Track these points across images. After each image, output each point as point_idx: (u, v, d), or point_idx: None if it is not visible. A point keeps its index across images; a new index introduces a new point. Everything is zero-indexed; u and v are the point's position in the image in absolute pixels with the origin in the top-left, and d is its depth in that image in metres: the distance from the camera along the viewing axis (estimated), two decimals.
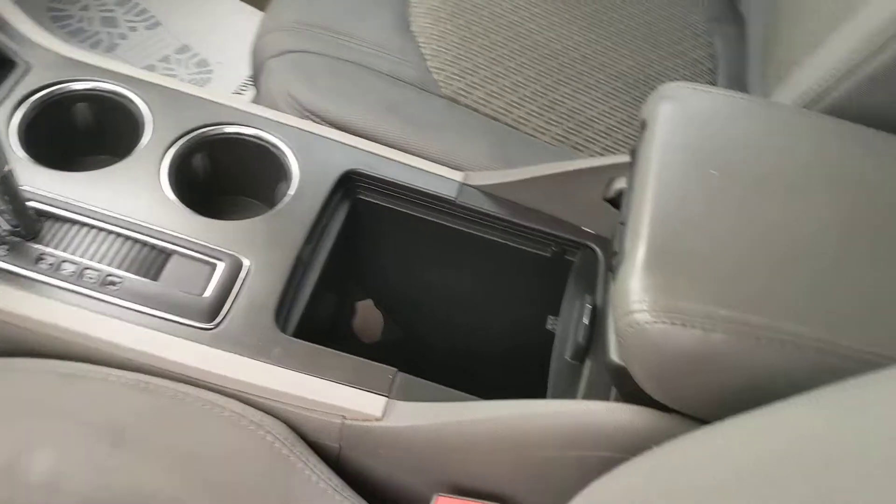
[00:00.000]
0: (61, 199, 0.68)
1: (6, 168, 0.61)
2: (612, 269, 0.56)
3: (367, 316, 0.83)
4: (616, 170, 0.69)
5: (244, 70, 1.28)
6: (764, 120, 0.56)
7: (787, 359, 0.47)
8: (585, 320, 0.67)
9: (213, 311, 0.64)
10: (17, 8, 0.80)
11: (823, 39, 0.69)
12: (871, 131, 0.57)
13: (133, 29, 1.30)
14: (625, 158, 0.68)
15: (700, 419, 0.52)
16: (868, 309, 0.48)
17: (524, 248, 0.75)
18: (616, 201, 0.69)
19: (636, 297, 0.49)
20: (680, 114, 0.56)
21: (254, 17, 1.31)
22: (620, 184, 0.68)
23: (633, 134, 0.88)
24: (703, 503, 0.41)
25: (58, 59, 0.77)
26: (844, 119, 0.59)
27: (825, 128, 0.57)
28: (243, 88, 1.28)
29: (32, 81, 0.75)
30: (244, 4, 1.36)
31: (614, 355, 0.55)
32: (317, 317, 0.71)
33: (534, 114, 0.88)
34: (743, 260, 0.50)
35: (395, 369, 0.63)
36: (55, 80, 0.75)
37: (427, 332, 0.82)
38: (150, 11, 1.33)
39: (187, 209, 0.70)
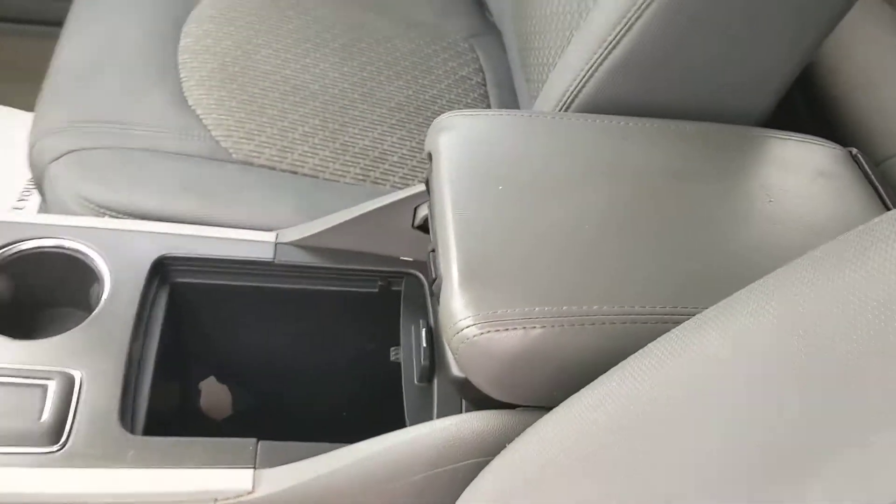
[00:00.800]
0: None
1: None
2: (433, 294, 0.60)
3: (213, 393, 0.83)
4: (418, 198, 0.74)
5: (22, 175, 1.23)
6: (528, 131, 0.63)
7: (598, 336, 0.53)
8: (424, 343, 0.71)
9: (55, 432, 0.63)
10: None
11: (567, 41, 0.77)
12: (619, 120, 0.65)
13: None
14: (420, 188, 0.72)
15: (545, 407, 0.57)
16: (647, 275, 0.56)
17: (351, 289, 0.78)
18: (424, 227, 0.74)
19: (460, 315, 0.54)
20: (457, 141, 0.61)
21: (21, 118, 1.26)
22: (424, 211, 0.72)
23: (425, 159, 0.93)
24: (556, 477, 0.46)
25: None
26: (598, 112, 0.67)
27: (580, 125, 0.64)
28: (26, 195, 1.22)
29: None
30: (6, 109, 1.30)
31: (455, 370, 0.59)
32: (163, 409, 0.70)
33: (329, 159, 0.91)
34: (540, 259, 0.56)
35: (254, 439, 0.64)
36: None
37: (279, 394, 0.83)
38: None
39: (1, 336, 0.67)
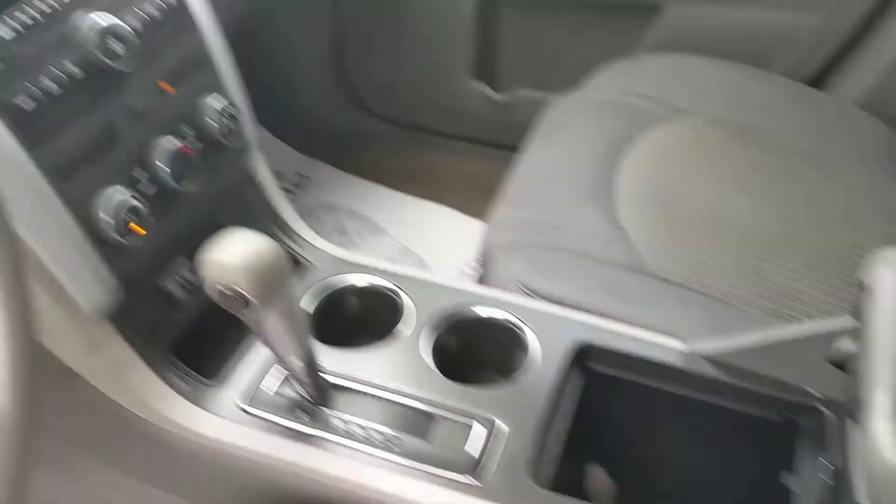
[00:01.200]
0: (343, 372, 0.81)
1: (308, 348, 0.75)
2: (853, 417, 0.60)
3: (598, 480, 0.88)
4: (835, 333, 0.74)
5: (454, 265, 1.44)
6: None
7: None
8: (826, 479, 0.70)
9: (474, 465, 0.73)
10: (302, 221, 0.98)
11: None
12: None
13: (361, 237, 1.52)
14: (844, 322, 0.73)
15: None
16: None
17: (751, 412, 0.80)
18: (840, 363, 0.74)
19: (890, 444, 0.54)
20: None
21: (463, 222, 1.49)
22: (845, 346, 0.73)
23: (842, 307, 0.92)
24: None
25: (332, 259, 0.94)
26: None
27: None
28: (463, 273, 1.43)
29: (316, 277, 0.91)
30: (455, 212, 1.55)
31: (864, 500, 0.58)
32: (561, 476, 0.77)
33: (741, 288, 0.94)
34: None
35: None
36: (332, 275, 0.91)
37: (657, 493, 0.86)
38: (376, 222, 1.55)
39: (445, 378, 0.81)
